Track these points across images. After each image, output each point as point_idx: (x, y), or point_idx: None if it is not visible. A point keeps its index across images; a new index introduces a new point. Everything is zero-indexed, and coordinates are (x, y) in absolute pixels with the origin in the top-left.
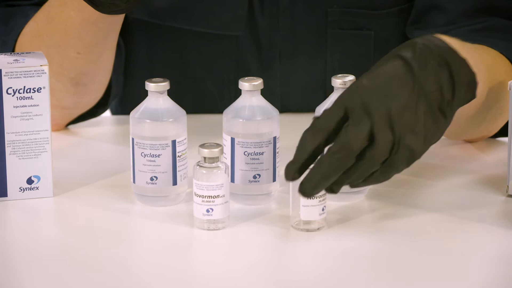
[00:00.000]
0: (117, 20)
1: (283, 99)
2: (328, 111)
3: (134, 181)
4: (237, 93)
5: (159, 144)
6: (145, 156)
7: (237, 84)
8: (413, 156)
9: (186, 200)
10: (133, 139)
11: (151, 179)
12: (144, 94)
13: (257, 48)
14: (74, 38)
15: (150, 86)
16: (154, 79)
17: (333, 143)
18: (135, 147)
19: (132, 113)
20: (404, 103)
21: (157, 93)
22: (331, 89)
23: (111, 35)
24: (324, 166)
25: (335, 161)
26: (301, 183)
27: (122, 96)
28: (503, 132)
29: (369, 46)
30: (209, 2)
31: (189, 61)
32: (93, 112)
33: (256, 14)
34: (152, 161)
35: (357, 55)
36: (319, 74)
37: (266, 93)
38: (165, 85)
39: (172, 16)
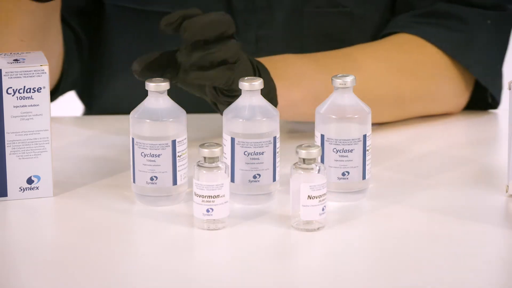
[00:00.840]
0: (55, 5)
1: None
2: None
3: (134, 181)
4: None
5: (159, 144)
6: (145, 156)
7: None
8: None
9: (186, 200)
10: (133, 139)
11: (151, 179)
12: (132, 88)
13: None
14: (15, 27)
15: (150, 86)
16: (154, 79)
17: None
18: (135, 147)
19: (132, 113)
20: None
21: (157, 93)
22: None
23: (52, 20)
24: None
25: None
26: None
27: (106, 91)
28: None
29: (347, 24)
30: None
31: (166, 46)
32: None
33: None
34: (152, 161)
35: (334, 34)
36: None
37: None
38: (165, 85)
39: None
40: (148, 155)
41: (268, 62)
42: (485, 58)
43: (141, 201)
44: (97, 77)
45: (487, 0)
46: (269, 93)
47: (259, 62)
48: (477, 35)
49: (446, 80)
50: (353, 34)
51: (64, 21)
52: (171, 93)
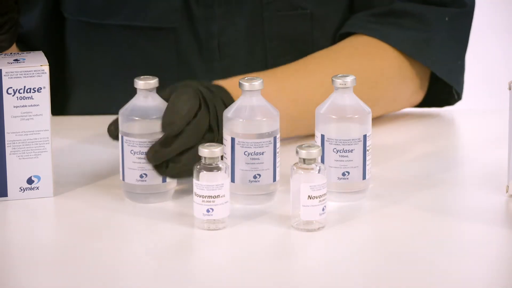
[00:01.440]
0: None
1: None
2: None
3: (123, 179)
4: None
5: (148, 142)
6: (134, 153)
7: (181, 78)
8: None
9: (181, 199)
10: (122, 136)
11: (141, 176)
12: (90, 92)
13: (195, 40)
14: None
15: (139, 83)
16: (143, 76)
17: None
18: (125, 144)
19: (121, 110)
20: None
21: (145, 91)
22: None
23: None
24: None
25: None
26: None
27: (64, 97)
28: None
29: (307, 26)
30: None
31: (131, 59)
32: None
33: (191, 5)
34: (142, 158)
35: (296, 37)
36: (259, 61)
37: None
38: (154, 82)
39: (107, 13)
40: (138, 153)
41: (232, 87)
42: (445, 55)
43: (130, 198)
44: (62, 89)
45: None
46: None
47: (226, 94)
48: (435, 33)
49: (404, 82)
50: (314, 35)
51: None
52: (125, 94)
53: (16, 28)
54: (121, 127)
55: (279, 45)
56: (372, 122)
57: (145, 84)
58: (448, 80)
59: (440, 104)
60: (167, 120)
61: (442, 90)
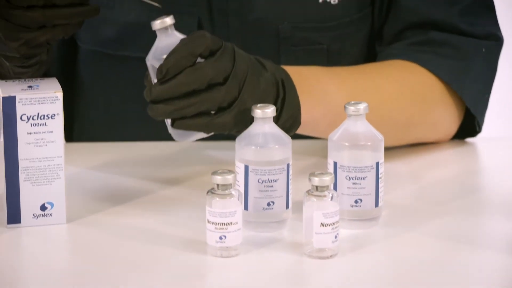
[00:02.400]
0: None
1: None
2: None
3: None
4: None
5: None
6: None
7: None
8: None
9: (200, 228)
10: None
11: None
12: (102, 120)
13: None
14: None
15: (155, 24)
16: (157, 18)
17: None
18: None
19: (147, 58)
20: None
21: (164, 29)
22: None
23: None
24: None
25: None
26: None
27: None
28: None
29: (323, 60)
30: None
31: (143, 88)
32: None
33: None
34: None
35: None
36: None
37: None
38: (169, 19)
39: (121, 44)
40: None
41: (297, 74)
42: (477, 87)
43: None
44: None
45: (479, 30)
46: (294, 112)
47: (287, 76)
48: (472, 64)
49: (445, 107)
50: None
51: None
52: (154, 126)
53: (41, 66)
54: (151, 73)
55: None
56: (389, 149)
57: (162, 22)
58: (474, 112)
59: (463, 136)
60: (165, 59)
61: (465, 121)
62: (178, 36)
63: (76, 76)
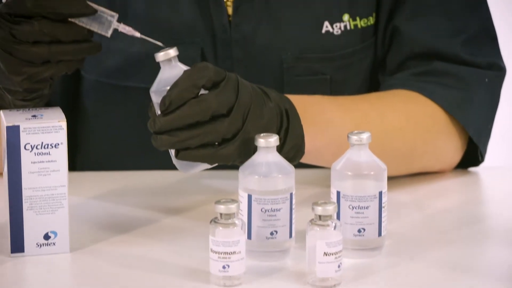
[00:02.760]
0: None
1: None
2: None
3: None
4: None
5: None
6: None
7: None
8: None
9: (197, 255)
10: None
11: None
12: (105, 150)
13: None
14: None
15: (159, 56)
16: (161, 50)
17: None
18: None
19: (151, 89)
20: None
21: (168, 61)
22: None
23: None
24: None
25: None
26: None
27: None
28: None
29: (326, 90)
30: None
31: (146, 118)
32: None
33: None
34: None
35: None
36: None
37: None
38: (173, 51)
39: (125, 74)
40: None
41: (301, 103)
42: (480, 117)
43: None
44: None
45: (481, 60)
46: (297, 141)
47: (291, 106)
48: (475, 94)
49: (448, 137)
50: None
51: None
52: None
53: (41, 99)
54: (156, 105)
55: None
56: (392, 178)
57: (165, 54)
58: (477, 142)
59: (466, 165)
60: (168, 91)
61: (468, 151)
62: (182, 68)
63: (80, 105)
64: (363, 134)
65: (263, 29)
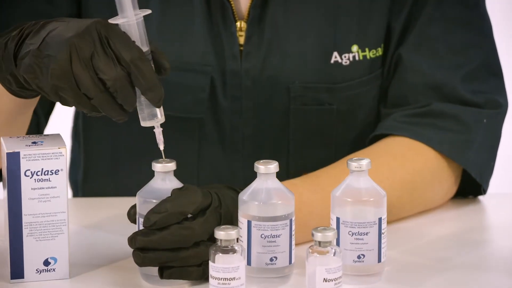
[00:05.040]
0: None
1: (247, 182)
2: None
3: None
4: (200, 175)
5: None
6: None
7: (199, 168)
8: None
9: (200, 282)
10: (139, 218)
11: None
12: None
13: (219, 131)
14: None
15: (156, 166)
16: (161, 159)
17: None
18: (141, 226)
19: (138, 193)
20: None
21: (163, 173)
22: (294, 170)
23: (27, 108)
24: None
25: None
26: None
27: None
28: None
29: (331, 120)
30: (170, 85)
31: (151, 143)
32: None
33: (218, 97)
34: None
35: (319, 130)
36: (281, 154)
37: (228, 175)
38: (171, 165)
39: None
40: None
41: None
42: (481, 157)
43: (147, 281)
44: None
45: (480, 97)
46: None
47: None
48: (474, 135)
49: (441, 183)
50: (339, 128)
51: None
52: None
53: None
54: (139, 209)
55: (303, 136)
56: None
57: (163, 167)
58: (480, 181)
59: (467, 194)
60: (155, 209)
61: (470, 184)
62: (174, 184)
63: (83, 128)
64: (362, 160)
65: (273, 58)
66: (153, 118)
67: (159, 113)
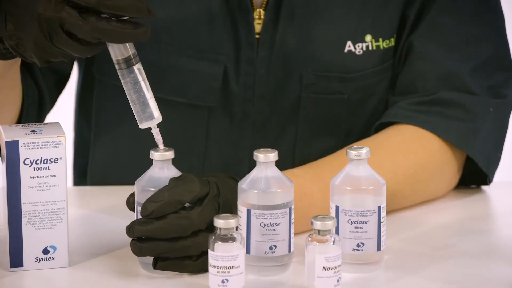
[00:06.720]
0: (12, 62)
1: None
2: None
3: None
4: (206, 162)
5: None
6: None
7: (205, 155)
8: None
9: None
10: (137, 207)
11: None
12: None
13: (230, 118)
14: None
15: (154, 155)
16: (159, 148)
17: None
18: (138, 214)
19: (137, 181)
20: None
21: (161, 162)
22: (299, 157)
23: (10, 70)
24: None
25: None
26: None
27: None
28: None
29: (342, 109)
30: (183, 73)
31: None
32: None
33: (230, 84)
34: None
35: (329, 119)
36: (289, 142)
37: (236, 162)
38: (170, 154)
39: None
40: None
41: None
42: (488, 147)
43: (146, 269)
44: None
45: (487, 89)
46: None
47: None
48: (481, 125)
49: (444, 173)
50: (348, 118)
51: (33, 78)
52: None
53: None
54: (137, 197)
55: (312, 124)
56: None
57: (161, 155)
58: (486, 171)
59: (470, 182)
60: (152, 198)
61: (473, 174)
62: (172, 173)
63: (91, 108)
64: (362, 149)
65: (288, 46)
66: (150, 119)
67: (156, 112)
